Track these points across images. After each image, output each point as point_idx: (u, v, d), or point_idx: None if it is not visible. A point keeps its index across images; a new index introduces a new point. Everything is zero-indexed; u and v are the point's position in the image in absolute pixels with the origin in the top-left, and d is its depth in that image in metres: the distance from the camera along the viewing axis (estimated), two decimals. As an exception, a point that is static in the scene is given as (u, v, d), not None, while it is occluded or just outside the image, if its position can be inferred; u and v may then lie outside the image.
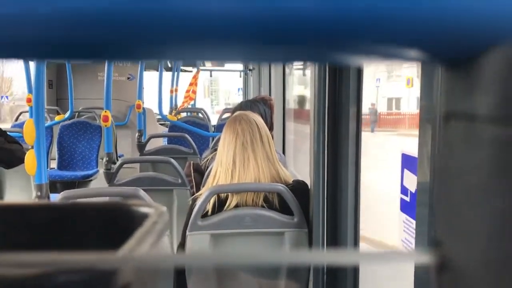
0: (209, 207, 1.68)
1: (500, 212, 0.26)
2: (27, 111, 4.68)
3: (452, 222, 0.30)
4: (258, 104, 2.83)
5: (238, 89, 9.08)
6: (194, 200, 1.74)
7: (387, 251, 0.31)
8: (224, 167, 1.72)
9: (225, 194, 1.70)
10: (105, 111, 3.00)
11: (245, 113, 1.84)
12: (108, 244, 0.28)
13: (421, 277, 0.87)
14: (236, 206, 1.69)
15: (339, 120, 1.51)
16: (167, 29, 0.25)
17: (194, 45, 0.27)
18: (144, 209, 0.34)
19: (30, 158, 1.71)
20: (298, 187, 1.74)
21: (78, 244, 0.30)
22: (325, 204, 1.54)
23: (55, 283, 0.24)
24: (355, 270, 1.49)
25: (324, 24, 0.25)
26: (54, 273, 0.24)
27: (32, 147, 1.74)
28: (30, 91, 4.13)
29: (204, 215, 1.67)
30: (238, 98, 8.75)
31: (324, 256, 0.37)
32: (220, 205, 1.69)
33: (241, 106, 2.79)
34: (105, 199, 1.80)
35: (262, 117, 2.45)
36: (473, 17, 0.25)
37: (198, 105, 7.54)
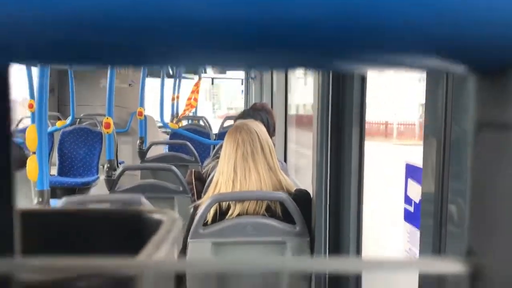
0: (209, 216, 1.67)
1: None
2: (28, 117, 4.68)
3: (487, 232, 0.30)
4: (260, 112, 2.84)
5: (242, 91, 9.02)
6: (196, 208, 1.73)
7: (419, 259, 0.30)
8: (225, 177, 1.72)
9: (227, 203, 1.70)
10: (107, 118, 3.00)
11: (246, 123, 1.84)
12: (121, 251, 0.28)
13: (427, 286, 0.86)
14: (238, 215, 1.68)
15: (342, 129, 1.51)
16: (169, 35, 0.25)
17: (196, 51, 0.27)
18: (157, 216, 0.33)
19: (32, 164, 1.71)
20: (300, 196, 1.73)
21: (91, 250, 0.30)
22: (328, 212, 1.54)
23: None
24: (358, 278, 1.48)
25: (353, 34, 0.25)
26: (71, 279, 0.23)
27: (34, 153, 1.74)
28: (32, 96, 4.13)
29: (204, 224, 1.67)
30: (242, 102, 8.72)
31: (328, 264, 0.36)
32: (221, 215, 1.69)
33: (243, 115, 2.80)
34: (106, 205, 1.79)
35: (264, 125, 2.45)
36: (508, 27, 0.25)
37: (198, 109, 7.54)
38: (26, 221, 0.33)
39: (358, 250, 1.50)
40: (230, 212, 1.68)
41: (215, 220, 1.68)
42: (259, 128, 1.82)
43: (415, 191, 1.09)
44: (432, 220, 0.90)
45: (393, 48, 0.26)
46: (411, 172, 1.12)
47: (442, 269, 0.30)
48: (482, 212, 0.31)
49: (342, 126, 1.51)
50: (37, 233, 0.31)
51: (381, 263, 0.32)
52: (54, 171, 4.88)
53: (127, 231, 0.33)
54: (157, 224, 0.31)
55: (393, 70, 0.30)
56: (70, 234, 0.33)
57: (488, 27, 0.25)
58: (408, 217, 1.13)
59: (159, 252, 0.28)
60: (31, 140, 1.71)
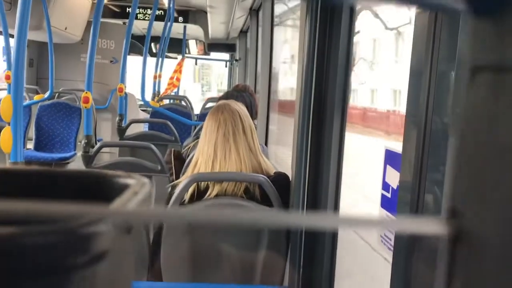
0: (187, 196, 1.66)
1: None
2: (5, 89, 4.57)
3: (472, 187, 0.28)
4: (244, 94, 2.83)
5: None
6: (173, 187, 1.71)
7: (401, 218, 0.29)
8: (205, 156, 1.70)
9: (205, 183, 1.69)
10: (86, 92, 2.94)
11: (228, 103, 1.82)
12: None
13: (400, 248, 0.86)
14: (216, 196, 1.67)
15: (324, 113, 1.50)
16: None
17: None
18: (125, 180, 0.32)
19: (6, 135, 1.66)
20: (279, 179, 1.73)
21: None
22: (305, 196, 1.54)
23: (26, 244, 0.22)
24: (332, 261, 1.49)
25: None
26: (24, 233, 0.22)
27: (9, 124, 1.69)
28: (9, 68, 4.02)
29: (181, 204, 1.65)
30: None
31: (306, 219, 0.34)
32: (199, 195, 1.68)
33: (227, 96, 2.78)
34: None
35: (247, 107, 2.44)
36: None
37: (187, 91, 7.47)
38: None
39: (334, 234, 1.51)
40: (208, 192, 1.67)
41: (192, 199, 1.66)
42: (241, 109, 1.81)
43: (393, 177, 1.09)
44: (409, 206, 0.90)
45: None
46: (390, 158, 1.12)
47: (422, 229, 0.29)
48: (469, 165, 0.29)
49: (324, 110, 1.50)
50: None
51: (360, 221, 0.30)
52: (30, 145, 4.80)
53: (92, 194, 0.32)
54: (124, 187, 0.29)
55: (386, 4, 0.28)
56: (32, 195, 0.31)
57: None
58: (385, 203, 1.14)
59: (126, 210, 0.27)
60: (6, 111, 1.67)
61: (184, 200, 1.66)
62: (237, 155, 1.70)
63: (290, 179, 1.73)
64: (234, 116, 1.75)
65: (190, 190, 1.66)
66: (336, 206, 1.50)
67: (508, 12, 0.26)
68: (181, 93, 7.07)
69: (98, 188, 0.32)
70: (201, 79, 16.48)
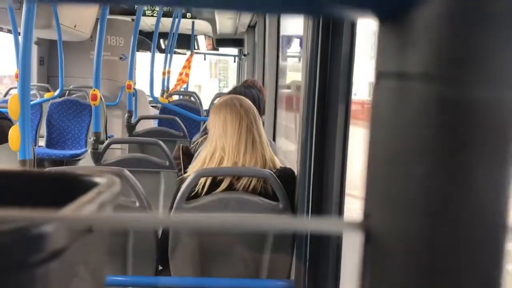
0: (204, 189, 1.66)
1: (428, 179, 0.25)
2: (16, 87, 4.62)
3: (380, 190, 0.29)
4: (252, 89, 2.83)
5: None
6: (181, 182, 1.72)
7: (320, 219, 0.30)
8: (229, 150, 1.69)
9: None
10: (94, 90, 2.96)
11: (240, 97, 1.85)
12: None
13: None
14: (227, 189, 1.67)
15: (328, 108, 1.50)
16: None
17: None
18: (95, 179, 0.32)
19: (14, 133, 1.68)
20: (285, 174, 1.73)
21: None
22: (311, 190, 1.54)
23: None
24: (338, 256, 1.49)
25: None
26: None
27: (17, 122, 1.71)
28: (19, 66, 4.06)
29: (195, 196, 1.66)
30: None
31: (307, 223, 0.36)
32: (214, 187, 1.67)
33: (235, 91, 2.78)
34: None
35: (255, 103, 2.44)
36: None
37: (203, 87, 7.48)
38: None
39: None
40: (222, 184, 1.67)
41: (208, 191, 1.66)
42: (250, 103, 1.83)
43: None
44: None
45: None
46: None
47: (339, 229, 0.30)
48: (376, 170, 0.30)
49: (328, 105, 1.50)
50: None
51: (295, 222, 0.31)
52: (42, 142, 4.85)
53: (65, 193, 0.32)
54: (93, 186, 0.30)
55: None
56: (7, 196, 0.32)
57: None
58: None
59: (79, 212, 0.27)
60: (14, 109, 1.69)
61: (197, 192, 1.66)
62: (261, 147, 1.71)
63: (296, 173, 1.73)
64: (253, 109, 1.77)
65: (203, 182, 1.66)
66: (341, 195, 1.50)
67: (409, 21, 0.26)
68: (197, 89, 7.09)
69: (73, 186, 0.33)
70: (218, 74, 16.15)
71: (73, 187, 0.32)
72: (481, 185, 0.23)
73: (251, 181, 1.68)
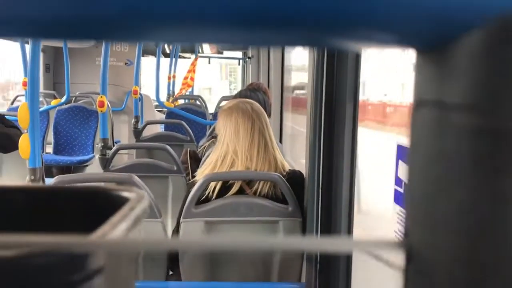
0: (210, 191, 1.67)
1: (468, 204, 0.26)
2: (23, 95, 4.65)
3: (421, 213, 0.30)
4: (257, 93, 2.84)
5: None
6: (191, 186, 1.73)
7: (358, 240, 0.31)
8: (241, 153, 1.69)
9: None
10: (101, 96, 2.98)
11: (250, 101, 1.86)
12: (87, 228, 0.28)
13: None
14: (238, 192, 1.68)
15: (336, 109, 1.50)
16: (164, 9, 0.25)
17: (191, 27, 0.26)
18: (124, 194, 0.33)
19: (24, 142, 1.70)
20: (294, 176, 1.74)
21: (58, 228, 0.30)
22: (320, 193, 1.54)
23: (28, 265, 0.23)
24: (348, 258, 1.49)
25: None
26: (27, 255, 0.23)
27: (27, 131, 1.73)
28: (26, 74, 4.09)
29: (205, 200, 1.66)
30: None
31: (316, 243, 0.37)
32: (226, 189, 1.68)
33: (240, 95, 2.79)
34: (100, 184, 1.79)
35: (261, 106, 2.45)
36: (445, 2, 0.25)
37: (213, 89, 7.49)
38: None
39: (349, 231, 1.51)
40: (232, 188, 1.68)
41: (218, 195, 1.67)
42: (260, 107, 1.84)
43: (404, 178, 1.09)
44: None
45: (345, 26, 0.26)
46: (402, 153, 1.11)
47: (380, 249, 0.31)
48: (418, 192, 0.31)
49: (336, 106, 1.50)
50: (1, 210, 0.31)
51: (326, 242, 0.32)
52: (49, 149, 4.87)
53: (94, 209, 0.33)
54: (124, 202, 0.31)
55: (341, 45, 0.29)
56: (37, 212, 0.33)
57: (427, 1, 0.24)
58: (398, 198, 1.13)
59: (116, 230, 0.28)
60: (23, 118, 1.70)
61: (207, 196, 1.67)
62: (273, 150, 1.72)
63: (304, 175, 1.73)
64: (263, 112, 1.78)
65: (213, 186, 1.67)
66: (350, 197, 1.50)
67: (449, 52, 0.26)
68: (207, 92, 7.10)
69: (101, 201, 0.34)
70: (228, 76, 16.10)
71: (103, 202, 0.33)
72: None
73: (262, 186, 1.68)
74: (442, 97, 0.27)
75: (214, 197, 1.67)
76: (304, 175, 1.74)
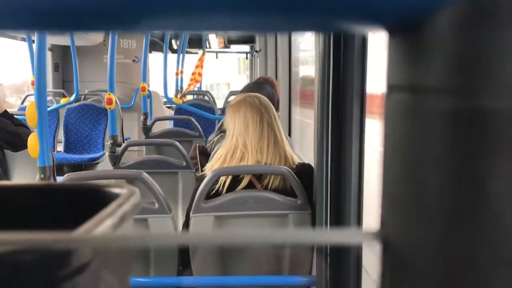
0: (220, 185, 1.67)
1: (443, 190, 0.25)
2: (32, 94, 4.68)
3: (396, 200, 0.29)
4: (265, 86, 2.82)
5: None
6: (200, 180, 1.73)
7: (338, 231, 0.30)
8: (251, 147, 1.70)
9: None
10: (109, 94, 2.99)
11: (258, 95, 1.86)
12: (78, 226, 0.27)
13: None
14: (247, 186, 1.67)
15: (343, 102, 1.49)
16: None
17: (197, 14, 0.26)
18: (116, 190, 0.33)
19: (33, 141, 1.71)
20: (303, 169, 1.73)
21: (49, 226, 0.29)
22: (329, 185, 1.53)
23: (11, 263, 0.23)
24: (358, 250, 1.48)
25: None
26: (10, 253, 0.23)
27: (35, 130, 1.74)
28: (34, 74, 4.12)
29: (215, 194, 1.66)
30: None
31: (326, 235, 0.37)
32: (236, 183, 1.68)
33: (248, 89, 2.78)
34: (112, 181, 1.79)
35: (269, 99, 2.44)
36: None
37: (232, 84, 7.49)
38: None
39: (359, 223, 1.50)
40: (242, 182, 1.68)
41: (229, 190, 1.67)
42: (268, 101, 1.84)
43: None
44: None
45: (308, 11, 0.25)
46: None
47: (357, 240, 0.30)
48: (391, 181, 0.30)
49: (343, 98, 1.49)
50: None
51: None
52: (60, 148, 4.91)
53: (87, 205, 0.33)
54: (114, 198, 0.30)
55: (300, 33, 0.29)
56: (31, 210, 0.33)
57: None
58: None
59: (101, 227, 0.27)
60: (31, 117, 1.71)
61: (218, 190, 1.67)
62: (282, 143, 1.71)
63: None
64: (271, 106, 1.78)
65: (228, 181, 1.67)
66: (359, 190, 1.49)
67: (420, 33, 0.25)
68: (226, 87, 7.12)
69: (93, 198, 0.33)
70: (246, 70, 16.24)
71: (93, 199, 0.33)
72: (496, 193, 0.23)
73: (272, 180, 1.68)
74: (415, 80, 0.26)
75: (224, 191, 1.67)
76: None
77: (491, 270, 0.23)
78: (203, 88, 7.01)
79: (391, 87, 0.29)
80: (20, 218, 0.32)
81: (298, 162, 1.77)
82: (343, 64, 1.47)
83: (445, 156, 0.24)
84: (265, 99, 1.81)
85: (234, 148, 1.71)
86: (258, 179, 1.69)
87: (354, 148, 1.45)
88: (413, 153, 0.27)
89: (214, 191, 1.67)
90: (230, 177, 1.68)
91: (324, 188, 1.53)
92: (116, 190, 0.33)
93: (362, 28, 0.28)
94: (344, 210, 1.50)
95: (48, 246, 0.24)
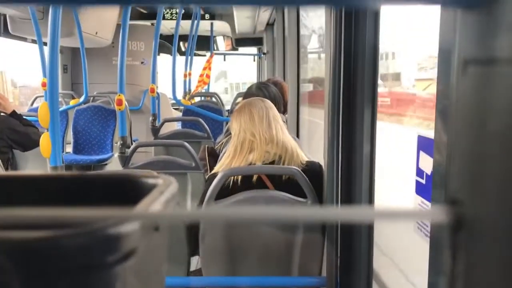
0: (232, 182, 1.68)
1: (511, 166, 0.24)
2: (42, 96, 4.72)
3: (469, 177, 0.29)
4: (269, 87, 2.82)
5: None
6: (211, 180, 1.73)
7: (404, 209, 0.30)
8: (259, 135, 1.73)
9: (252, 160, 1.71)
10: (119, 95, 3.01)
11: (261, 98, 1.91)
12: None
13: (437, 236, 0.85)
14: (257, 183, 1.69)
15: (354, 101, 1.48)
16: None
17: None
18: (152, 180, 0.33)
19: (45, 141, 1.72)
20: (312, 168, 1.73)
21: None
22: (339, 186, 1.53)
23: (62, 246, 0.24)
24: (369, 252, 1.48)
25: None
26: (61, 236, 0.23)
27: (47, 130, 1.75)
28: (45, 75, 4.15)
29: (230, 190, 1.66)
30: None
31: (339, 212, 0.37)
32: (248, 179, 1.69)
33: (253, 89, 2.78)
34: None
35: (274, 100, 2.45)
36: None
37: (247, 84, 7.52)
38: (21, 186, 0.33)
39: (370, 224, 1.49)
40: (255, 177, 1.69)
41: (243, 185, 1.68)
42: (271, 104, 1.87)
43: (427, 163, 1.07)
44: (443, 193, 0.89)
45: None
46: (423, 144, 1.10)
47: (425, 218, 0.30)
48: (465, 155, 0.30)
49: (353, 98, 1.49)
50: (31, 198, 0.31)
51: (375, 212, 0.32)
52: (69, 149, 4.94)
53: (123, 195, 0.33)
54: (152, 187, 0.31)
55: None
56: (66, 199, 0.33)
57: None
58: (420, 189, 1.12)
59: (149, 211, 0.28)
60: (44, 117, 1.72)
61: (235, 185, 1.68)
62: (284, 135, 1.76)
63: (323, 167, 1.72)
64: (274, 108, 1.81)
65: (240, 177, 1.68)
66: (370, 191, 1.48)
67: (495, 6, 0.26)
68: (241, 86, 7.14)
69: (129, 188, 0.34)
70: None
71: (130, 189, 0.33)
72: None
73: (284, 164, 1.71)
74: (491, 53, 0.26)
75: (237, 187, 1.67)
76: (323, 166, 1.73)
77: None
78: (228, 87, 7.04)
79: (465, 61, 0.29)
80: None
81: (307, 160, 1.77)
82: (354, 62, 1.47)
83: None
84: (268, 102, 1.86)
85: (242, 141, 1.75)
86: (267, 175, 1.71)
87: (365, 147, 1.45)
88: (489, 127, 0.27)
89: (229, 187, 1.67)
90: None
91: (335, 187, 1.53)
92: (151, 181, 0.33)
93: (432, 5, 0.29)
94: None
95: (101, 226, 0.24)
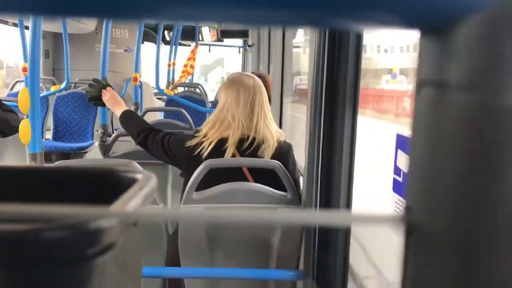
0: (206, 152, 1.74)
1: (467, 178, 0.27)
2: (22, 81, 4.63)
3: (422, 188, 0.31)
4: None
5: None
6: (180, 141, 1.83)
7: (360, 214, 0.32)
8: (238, 121, 1.76)
9: (227, 144, 1.75)
10: (101, 82, 2.97)
11: (252, 75, 1.95)
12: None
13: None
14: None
15: (336, 100, 1.50)
16: None
17: (190, 4, 0.27)
18: (132, 175, 0.33)
19: (24, 127, 1.70)
20: (280, 147, 1.79)
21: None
22: (319, 183, 1.55)
23: (42, 239, 0.24)
24: (346, 246, 1.50)
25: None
26: (42, 229, 0.24)
27: (27, 116, 1.73)
28: (26, 60, 4.08)
29: (197, 157, 1.71)
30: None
31: (316, 217, 0.39)
32: (220, 153, 1.73)
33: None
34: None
35: None
36: None
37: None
38: (2, 178, 0.33)
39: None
40: (227, 152, 1.74)
41: (210, 156, 1.72)
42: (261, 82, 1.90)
43: (405, 162, 1.10)
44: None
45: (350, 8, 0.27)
46: (401, 142, 1.12)
47: (382, 224, 0.32)
48: (418, 168, 0.32)
49: (336, 97, 1.50)
50: (12, 191, 0.31)
51: (337, 216, 0.34)
52: (49, 135, 4.87)
53: (103, 189, 0.34)
54: (132, 182, 0.31)
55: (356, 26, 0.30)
56: (47, 192, 0.33)
57: None
58: (397, 187, 1.14)
59: (128, 207, 0.28)
60: (24, 103, 1.70)
61: (202, 155, 1.73)
62: (270, 120, 1.81)
63: (304, 163, 1.74)
64: (263, 88, 1.83)
65: (211, 147, 1.74)
66: (349, 187, 1.51)
67: (451, 33, 0.28)
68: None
69: (110, 181, 0.34)
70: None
71: (110, 182, 0.34)
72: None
73: (258, 150, 1.74)
74: (444, 76, 0.28)
75: (205, 156, 1.72)
76: (303, 164, 1.75)
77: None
78: (225, 76, 7.03)
79: (421, 82, 0.31)
80: (35, 201, 0.33)
81: (280, 140, 1.82)
82: (337, 62, 1.49)
83: (469, 146, 0.27)
84: (258, 80, 1.87)
85: (222, 119, 1.78)
86: (241, 152, 1.73)
87: (345, 146, 1.47)
88: (440, 143, 0.29)
89: (196, 153, 1.74)
90: (213, 145, 1.74)
91: (314, 185, 1.55)
92: (132, 175, 0.34)
93: (396, 27, 0.30)
94: (333, 207, 1.52)
95: (83, 219, 0.25)
